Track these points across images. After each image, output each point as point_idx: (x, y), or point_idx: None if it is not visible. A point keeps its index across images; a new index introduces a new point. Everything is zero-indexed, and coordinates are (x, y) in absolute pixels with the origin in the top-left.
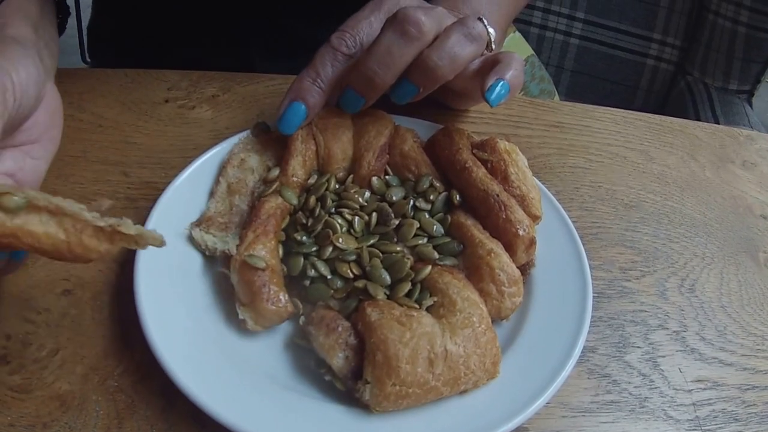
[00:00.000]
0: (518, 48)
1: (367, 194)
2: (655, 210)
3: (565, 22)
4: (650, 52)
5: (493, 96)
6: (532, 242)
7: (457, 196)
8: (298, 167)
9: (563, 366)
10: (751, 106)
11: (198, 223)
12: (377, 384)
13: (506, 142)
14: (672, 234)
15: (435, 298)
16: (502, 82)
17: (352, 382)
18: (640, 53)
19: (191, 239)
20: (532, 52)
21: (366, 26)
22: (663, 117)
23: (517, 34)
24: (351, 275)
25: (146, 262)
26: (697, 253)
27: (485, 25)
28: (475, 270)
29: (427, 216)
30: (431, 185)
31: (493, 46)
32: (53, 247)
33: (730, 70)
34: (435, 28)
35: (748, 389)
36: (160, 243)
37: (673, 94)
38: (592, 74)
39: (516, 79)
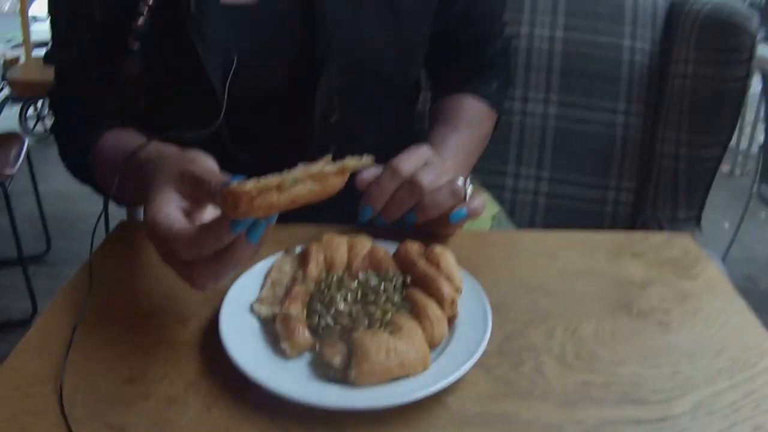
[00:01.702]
0: (488, 206)
1: (356, 282)
2: (553, 289)
3: (533, 183)
4: (608, 198)
5: (453, 214)
6: (453, 301)
7: (409, 279)
8: (314, 269)
9: (468, 362)
10: (700, 229)
11: (256, 302)
12: (357, 368)
13: (440, 246)
14: (565, 302)
15: (392, 327)
16: (464, 208)
17: (345, 371)
18: (600, 201)
19: (252, 310)
20: (500, 209)
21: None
22: (572, 232)
23: (487, 195)
24: (345, 323)
25: (226, 323)
26: (581, 312)
27: (465, 184)
28: (417, 315)
29: (391, 291)
30: (394, 275)
31: (467, 198)
32: (316, 196)
33: (677, 200)
34: (432, 186)
35: (611, 382)
36: (371, 162)
37: None
38: (560, 227)
39: (474, 209)
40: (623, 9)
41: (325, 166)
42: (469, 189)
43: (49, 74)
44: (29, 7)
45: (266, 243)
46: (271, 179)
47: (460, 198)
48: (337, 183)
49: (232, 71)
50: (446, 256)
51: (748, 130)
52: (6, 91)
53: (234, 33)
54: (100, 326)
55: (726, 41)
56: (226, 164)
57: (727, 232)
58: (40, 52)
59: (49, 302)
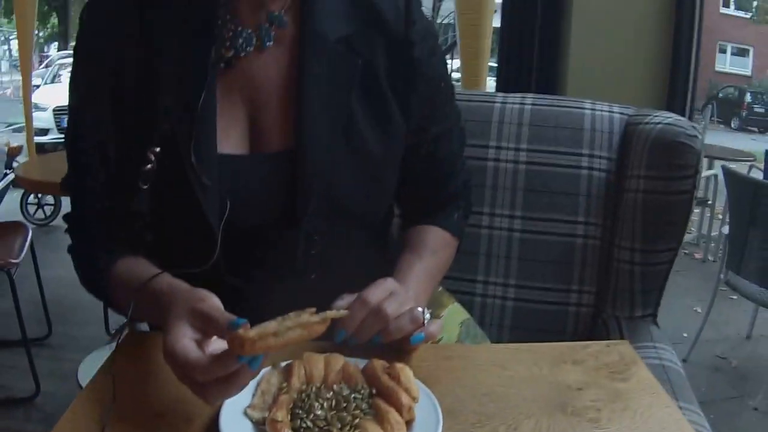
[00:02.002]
0: (457, 314)
1: (331, 393)
2: (500, 394)
3: (501, 289)
4: (571, 301)
5: (413, 338)
6: (410, 408)
7: (374, 391)
8: (297, 381)
9: None
10: (657, 325)
11: (249, 407)
12: None
13: (400, 363)
14: (508, 405)
15: (360, 431)
16: (422, 333)
17: None
18: (564, 303)
19: (246, 414)
20: (468, 316)
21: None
22: (521, 345)
23: (456, 304)
24: (322, 426)
25: (225, 423)
26: (522, 413)
27: (423, 312)
28: (380, 421)
29: (360, 400)
30: (362, 387)
31: (426, 323)
32: (303, 339)
33: (633, 301)
34: (395, 314)
35: None
36: (342, 314)
37: (594, 334)
38: (527, 329)
39: (431, 333)
40: (582, 132)
41: (311, 316)
42: (428, 316)
43: (50, 173)
44: (31, 94)
45: None
46: (269, 327)
47: (419, 324)
48: (320, 329)
49: (226, 213)
50: (405, 371)
51: (719, 217)
52: (10, 177)
53: (229, 179)
54: (121, 423)
55: (674, 160)
56: (223, 290)
57: (699, 315)
58: (41, 138)
59: (50, 383)
